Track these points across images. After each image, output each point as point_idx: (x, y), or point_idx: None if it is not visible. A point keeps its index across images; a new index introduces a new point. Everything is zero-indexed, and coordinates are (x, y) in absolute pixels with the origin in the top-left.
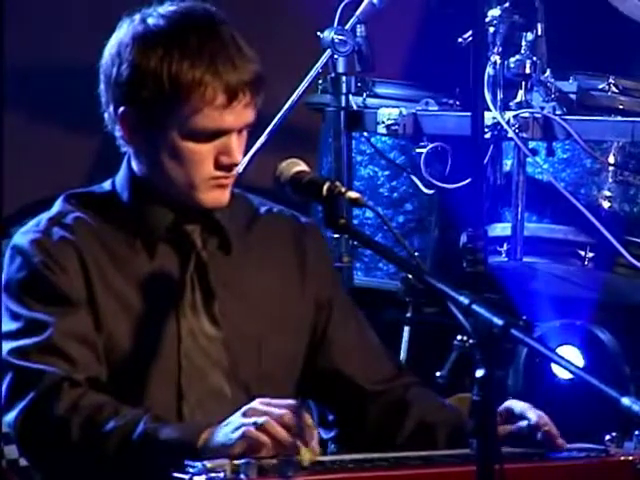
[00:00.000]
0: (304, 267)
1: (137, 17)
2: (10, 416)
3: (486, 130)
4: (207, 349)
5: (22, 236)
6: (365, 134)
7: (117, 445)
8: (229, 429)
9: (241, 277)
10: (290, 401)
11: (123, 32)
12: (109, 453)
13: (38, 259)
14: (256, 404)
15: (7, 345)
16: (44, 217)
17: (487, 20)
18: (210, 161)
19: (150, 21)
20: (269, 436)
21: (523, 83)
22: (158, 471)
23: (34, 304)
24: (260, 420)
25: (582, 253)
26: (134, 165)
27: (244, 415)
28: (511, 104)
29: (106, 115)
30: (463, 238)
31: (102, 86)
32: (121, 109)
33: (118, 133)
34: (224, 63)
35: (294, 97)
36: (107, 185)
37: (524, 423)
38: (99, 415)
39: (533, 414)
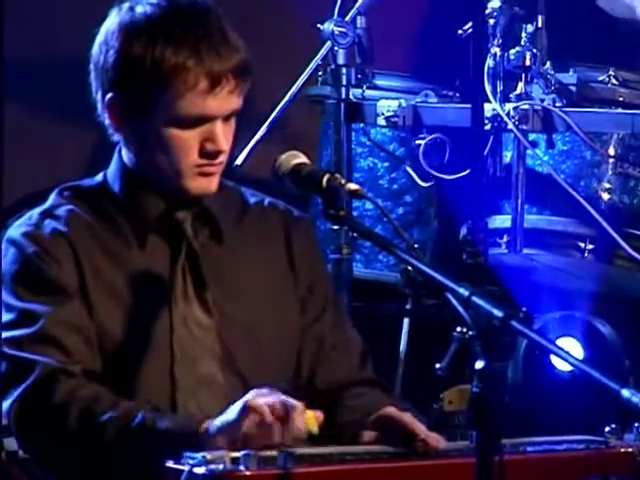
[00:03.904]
0: (292, 260)
1: (125, 6)
2: (5, 405)
3: (486, 122)
4: (200, 337)
5: (15, 229)
6: (364, 126)
7: (115, 434)
8: (233, 409)
9: (233, 268)
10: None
11: (111, 21)
12: (107, 442)
13: (31, 250)
14: (257, 391)
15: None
16: (36, 211)
17: (487, 12)
18: (195, 148)
19: (137, 9)
20: (273, 412)
21: (523, 75)
22: (156, 461)
23: (27, 295)
24: (266, 398)
25: (582, 245)
26: (124, 155)
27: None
28: (511, 96)
29: (98, 105)
30: (463, 230)
31: (91, 74)
32: (108, 96)
33: (107, 121)
34: (208, 51)
35: (294, 89)
36: (99, 177)
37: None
38: (97, 405)
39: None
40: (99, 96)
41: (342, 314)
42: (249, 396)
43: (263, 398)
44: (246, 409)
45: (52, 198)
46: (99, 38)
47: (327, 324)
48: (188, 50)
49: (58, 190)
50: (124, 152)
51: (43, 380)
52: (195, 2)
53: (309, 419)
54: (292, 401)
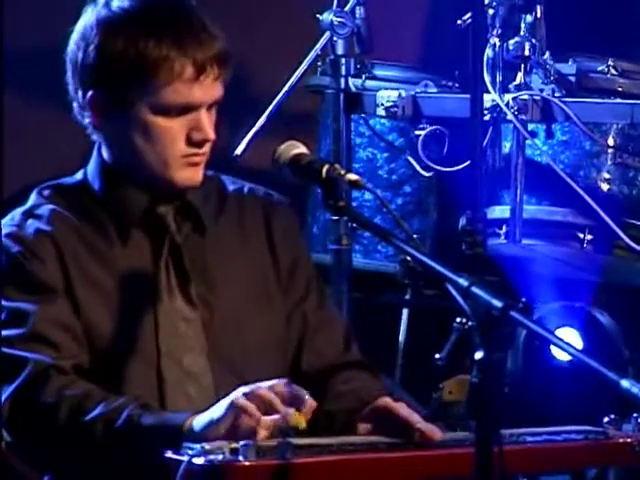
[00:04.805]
0: (274, 247)
1: (100, 1)
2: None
3: (485, 112)
4: (185, 331)
5: None
6: (364, 116)
7: (102, 432)
8: (218, 406)
9: (216, 260)
10: (278, 380)
11: (87, 17)
12: (94, 440)
13: (15, 250)
14: (244, 387)
15: None
16: (18, 211)
17: (486, 2)
18: (182, 138)
19: (113, 4)
20: (259, 400)
21: (522, 65)
22: (144, 457)
23: (15, 294)
24: (249, 389)
25: (581, 235)
26: (104, 153)
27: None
28: (510, 86)
29: (74, 104)
30: (462, 220)
31: (69, 73)
32: (90, 93)
33: (87, 120)
34: (190, 40)
35: (293, 79)
36: (79, 175)
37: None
38: (86, 402)
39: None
40: (79, 94)
41: (325, 297)
42: (235, 393)
43: (249, 393)
44: (232, 408)
45: (32, 198)
46: (75, 36)
47: (310, 307)
48: (170, 41)
49: (38, 190)
50: (104, 149)
51: (35, 377)
52: None
53: (297, 415)
54: (277, 386)
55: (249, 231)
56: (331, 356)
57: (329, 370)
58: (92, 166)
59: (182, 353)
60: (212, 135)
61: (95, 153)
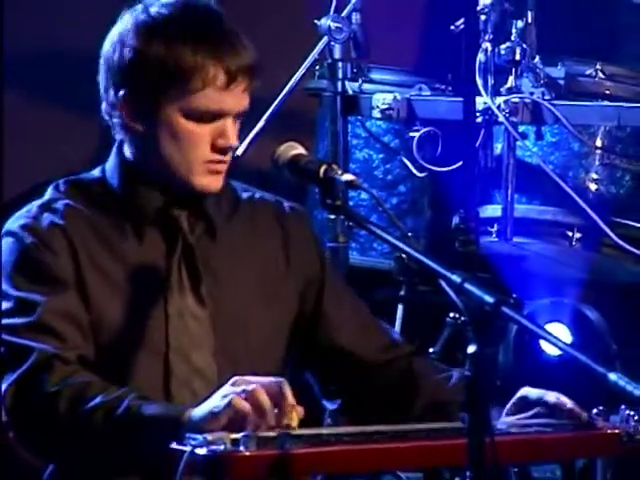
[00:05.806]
0: (288, 250)
1: (139, 7)
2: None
3: (477, 115)
4: (194, 328)
5: (14, 222)
6: (360, 118)
7: (102, 421)
8: (217, 398)
9: (226, 262)
10: (275, 379)
11: (125, 21)
12: (94, 429)
13: (29, 241)
14: (244, 377)
15: None
16: (35, 204)
17: (479, 8)
18: (207, 143)
19: (152, 9)
20: (255, 404)
21: (513, 69)
22: (143, 447)
23: (24, 284)
24: (249, 387)
25: (570, 234)
26: (126, 151)
27: (233, 385)
28: (501, 89)
29: (103, 104)
30: (455, 219)
31: (102, 73)
32: (122, 92)
33: (116, 119)
34: (225, 48)
35: (292, 83)
36: (97, 172)
37: (540, 408)
38: (87, 392)
39: (552, 396)
40: (111, 93)
41: (355, 298)
42: (233, 388)
43: (249, 393)
44: (230, 406)
45: (49, 192)
46: (112, 38)
47: (348, 305)
48: (207, 49)
49: (55, 184)
50: (126, 148)
51: (38, 366)
52: (207, 3)
53: (291, 418)
54: (278, 387)
55: (260, 237)
56: (389, 343)
57: (397, 357)
58: (111, 163)
59: (190, 350)
60: (236, 142)
61: (115, 150)
